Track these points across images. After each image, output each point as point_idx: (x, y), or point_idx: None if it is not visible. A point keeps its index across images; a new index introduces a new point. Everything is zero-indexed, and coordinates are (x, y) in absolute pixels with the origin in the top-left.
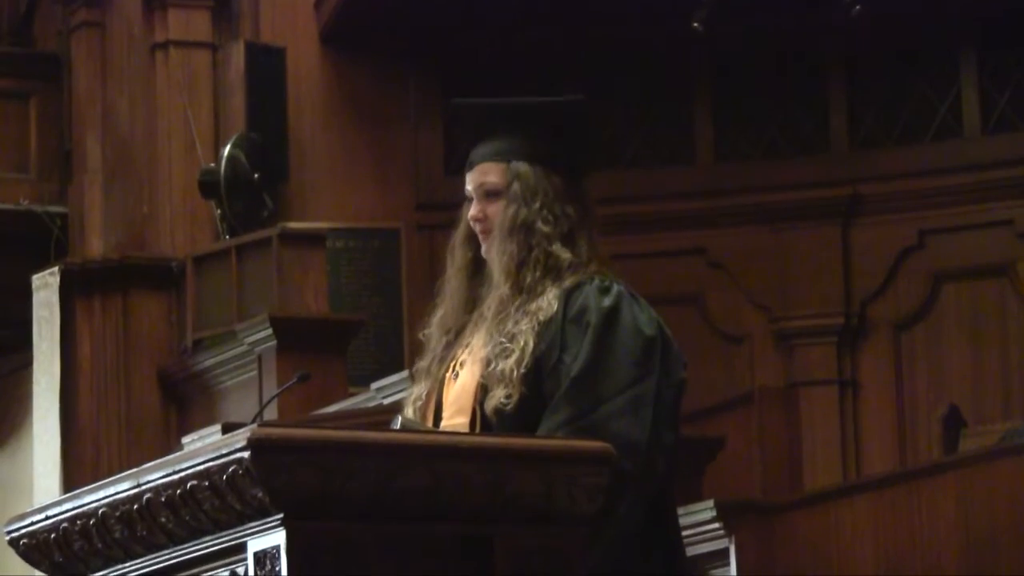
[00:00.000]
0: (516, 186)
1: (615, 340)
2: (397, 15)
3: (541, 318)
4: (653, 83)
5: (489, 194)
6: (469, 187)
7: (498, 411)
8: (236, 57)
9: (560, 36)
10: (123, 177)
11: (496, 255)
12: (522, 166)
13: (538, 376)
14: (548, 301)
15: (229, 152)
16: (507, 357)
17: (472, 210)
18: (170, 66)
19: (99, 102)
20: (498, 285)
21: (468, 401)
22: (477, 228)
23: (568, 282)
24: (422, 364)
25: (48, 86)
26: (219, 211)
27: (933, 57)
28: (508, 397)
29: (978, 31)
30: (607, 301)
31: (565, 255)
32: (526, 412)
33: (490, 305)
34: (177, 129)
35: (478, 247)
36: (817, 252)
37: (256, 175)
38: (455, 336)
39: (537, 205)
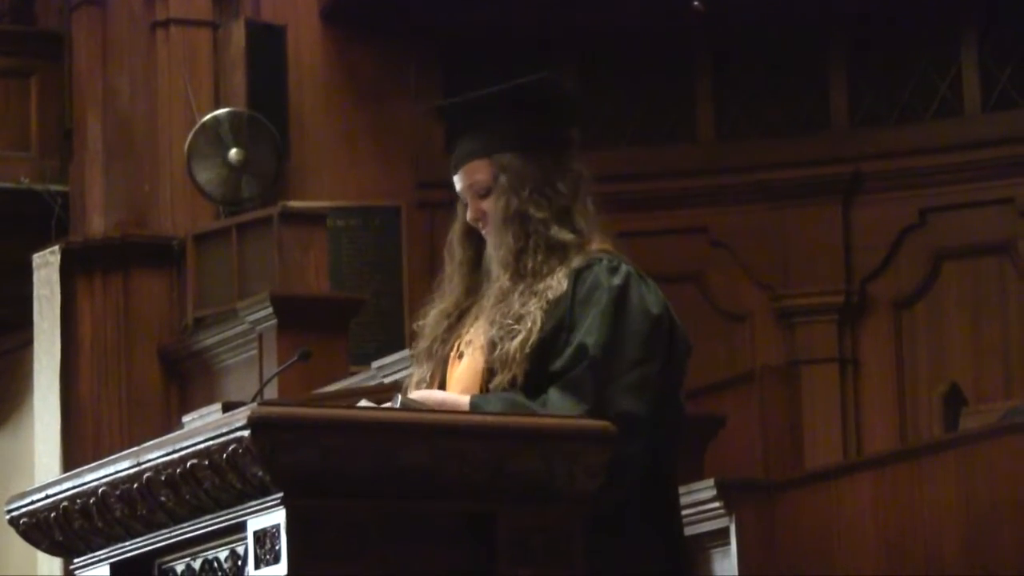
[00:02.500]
0: (503, 178)
1: (623, 320)
2: None
3: (550, 296)
4: (654, 61)
5: (481, 192)
6: (459, 188)
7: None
8: (236, 35)
9: (560, 14)
10: (124, 156)
11: (493, 248)
12: (505, 156)
13: (544, 354)
14: (558, 280)
15: (204, 120)
16: (513, 338)
17: (469, 213)
18: (171, 44)
19: (100, 80)
20: (497, 277)
21: (474, 381)
22: (479, 227)
23: (576, 262)
24: (422, 346)
25: (49, 64)
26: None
27: (933, 35)
28: (512, 381)
29: (978, 8)
30: (616, 280)
31: (566, 236)
32: (531, 391)
33: (490, 295)
34: (178, 107)
35: (476, 243)
36: (818, 230)
37: (233, 151)
38: (456, 319)
39: (527, 192)
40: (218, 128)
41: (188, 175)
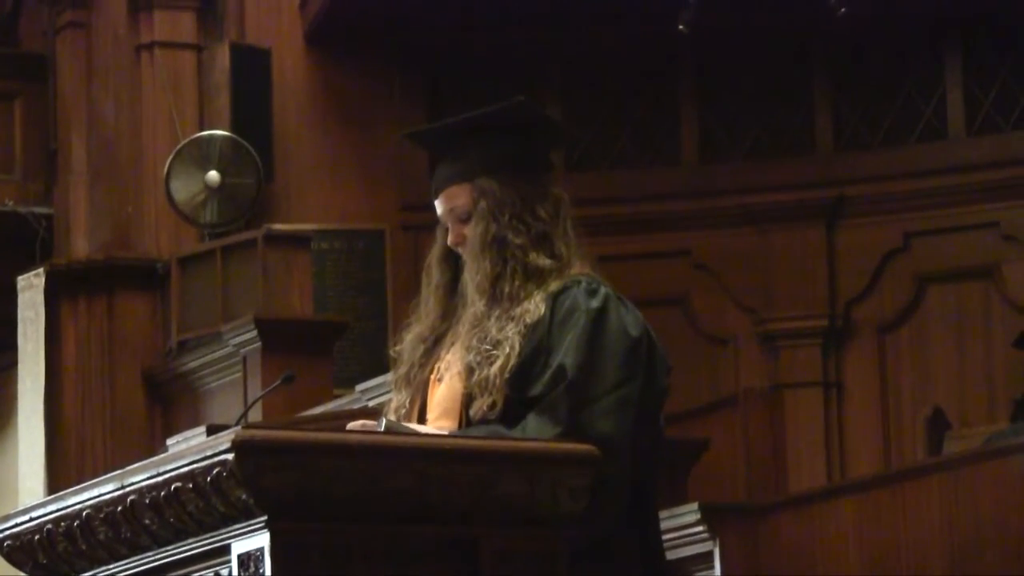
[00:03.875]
0: (483, 203)
1: (602, 342)
2: (382, 16)
3: (528, 321)
4: (638, 84)
5: (461, 217)
6: (440, 213)
7: (484, 420)
8: (221, 58)
9: (545, 37)
10: (108, 178)
11: (470, 274)
12: (484, 181)
13: (523, 379)
14: (535, 304)
15: (189, 140)
16: (491, 364)
17: (451, 237)
18: (155, 67)
19: (84, 103)
20: (473, 303)
21: (454, 405)
22: (461, 252)
23: (554, 286)
24: (400, 372)
25: (33, 87)
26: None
27: (918, 59)
28: (492, 405)
29: (962, 33)
30: (594, 303)
31: (544, 261)
32: (511, 416)
33: (464, 321)
34: (162, 130)
35: (454, 267)
36: (802, 254)
37: (212, 173)
38: (432, 344)
39: (506, 217)
40: (199, 150)
41: (165, 193)
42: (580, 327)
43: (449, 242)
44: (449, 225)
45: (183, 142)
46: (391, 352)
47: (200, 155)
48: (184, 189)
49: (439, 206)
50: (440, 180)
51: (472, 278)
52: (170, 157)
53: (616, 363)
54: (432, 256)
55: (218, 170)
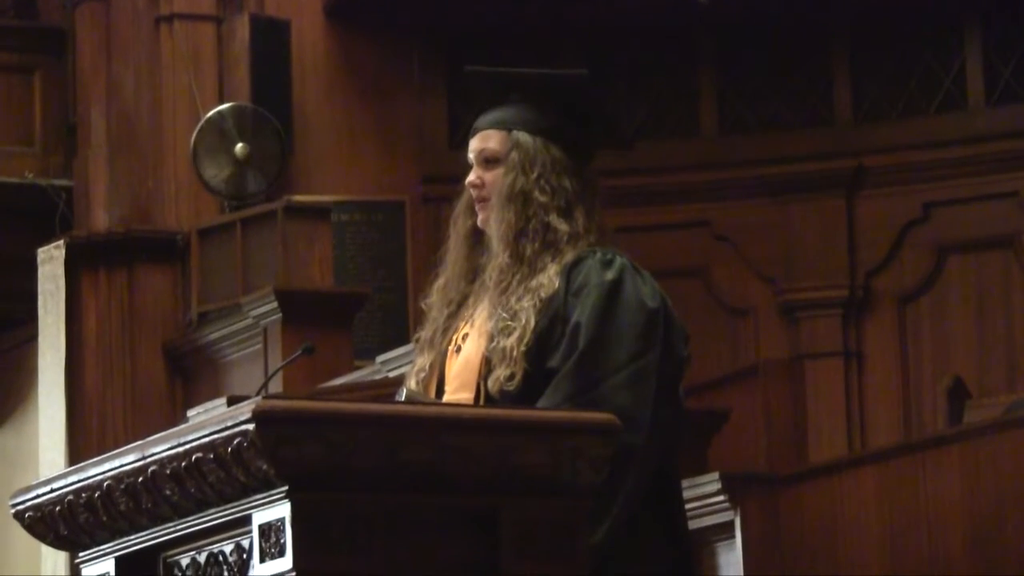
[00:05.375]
0: (515, 154)
1: (618, 313)
2: None
3: (543, 295)
4: (657, 55)
5: (488, 160)
6: (471, 151)
7: (502, 390)
8: (240, 30)
9: (564, 8)
10: (128, 151)
11: (494, 223)
12: (523, 135)
13: (541, 352)
14: (549, 278)
15: (209, 116)
16: (509, 335)
17: (471, 175)
18: (174, 39)
19: (103, 76)
20: (497, 254)
21: (472, 375)
22: (474, 194)
23: (568, 257)
24: (424, 335)
25: (52, 60)
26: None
27: (937, 29)
28: (511, 377)
29: (982, 2)
30: (609, 274)
31: (562, 227)
32: (529, 389)
33: (491, 275)
34: (182, 102)
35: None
36: (822, 225)
37: (240, 145)
38: (457, 307)
39: (535, 175)
40: (222, 123)
41: (194, 172)
42: (594, 298)
43: (467, 181)
44: (474, 164)
45: (204, 117)
46: (421, 304)
47: (225, 128)
48: (213, 164)
49: (472, 144)
50: (481, 122)
51: (496, 227)
52: (194, 135)
53: (633, 335)
54: (459, 205)
55: (243, 142)
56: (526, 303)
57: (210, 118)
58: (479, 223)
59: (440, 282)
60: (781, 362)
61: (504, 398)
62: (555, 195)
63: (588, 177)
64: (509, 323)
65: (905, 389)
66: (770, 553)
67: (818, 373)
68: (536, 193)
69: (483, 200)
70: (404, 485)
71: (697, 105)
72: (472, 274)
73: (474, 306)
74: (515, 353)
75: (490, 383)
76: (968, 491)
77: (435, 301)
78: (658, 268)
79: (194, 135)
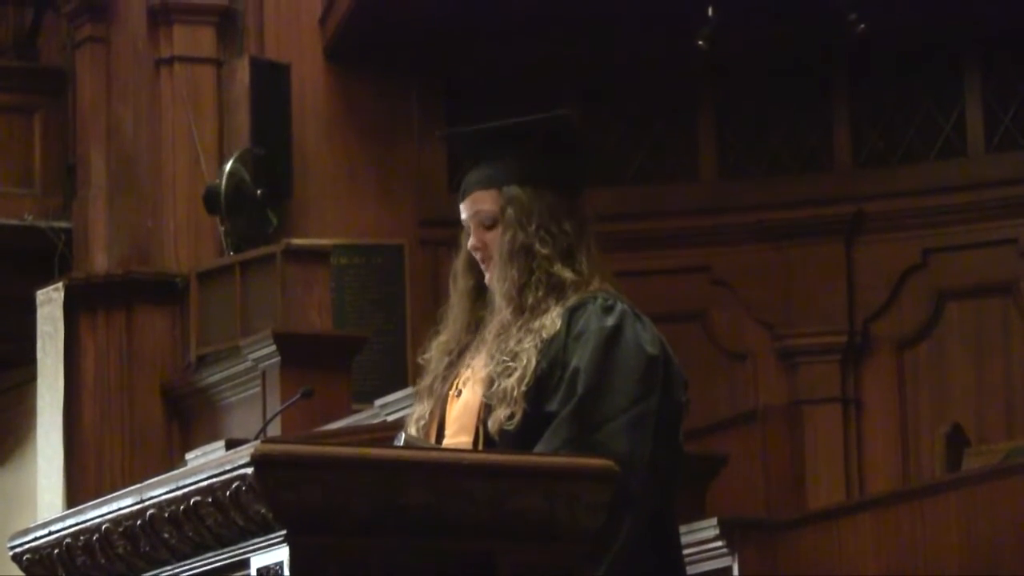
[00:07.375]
0: (510, 211)
1: (617, 359)
2: (401, 31)
3: (544, 336)
4: (656, 99)
5: (485, 223)
6: (464, 216)
7: (501, 430)
8: (241, 72)
9: (563, 52)
10: (127, 192)
11: (497, 281)
12: (514, 189)
13: (540, 394)
14: (551, 319)
15: (231, 167)
16: (509, 375)
17: (471, 240)
18: (175, 81)
19: (103, 117)
20: (500, 309)
21: (471, 419)
22: (477, 256)
23: (571, 300)
24: (424, 383)
25: (53, 101)
26: (223, 227)
27: (937, 75)
28: (511, 416)
29: (982, 49)
30: (610, 320)
31: (567, 274)
32: (529, 430)
33: (491, 328)
34: (181, 144)
35: (480, 273)
36: (820, 270)
37: (259, 191)
38: (457, 356)
39: (533, 227)
40: (240, 172)
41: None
42: (594, 345)
43: (469, 245)
44: (471, 229)
45: (229, 162)
46: (419, 360)
47: (241, 178)
48: (240, 214)
49: (464, 209)
50: (469, 183)
51: (500, 286)
52: (221, 196)
53: (632, 381)
54: (458, 262)
55: (257, 185)
56: (527, 344)
57: (230, 171)
58: (486, 282)
59: (441, 338)
60: (780, 408)
61: (504, 438)
62: (556, 242)
63: (583, 214)
64: (510, 364)
65: (903, 435)
66: None
67: (816, 419)
68: (537, 246)
69: (487, 260)
70: (402, 529)
71: (696, 149)
72: (473, 325)
73: (474, 355)
74: (515, 393)
75: (490, 423)
76: (965, 538)
77: (434, 353)
78: (657, 312)
79: (222, 195)
